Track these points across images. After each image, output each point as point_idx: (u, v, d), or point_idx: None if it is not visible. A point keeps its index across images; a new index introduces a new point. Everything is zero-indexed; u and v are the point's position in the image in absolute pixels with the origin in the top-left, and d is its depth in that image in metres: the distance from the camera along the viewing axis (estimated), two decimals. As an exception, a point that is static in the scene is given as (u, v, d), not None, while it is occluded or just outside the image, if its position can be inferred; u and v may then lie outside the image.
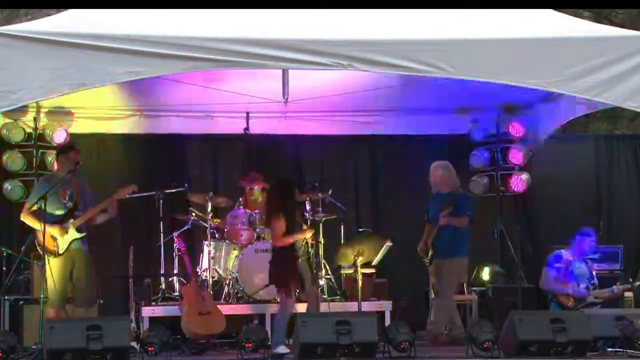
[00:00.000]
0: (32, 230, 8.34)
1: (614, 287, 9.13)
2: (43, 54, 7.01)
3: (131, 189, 8.49)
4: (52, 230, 8.10)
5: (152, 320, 8.93)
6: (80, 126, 10.15)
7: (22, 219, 8.31)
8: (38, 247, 8.18)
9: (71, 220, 8.23)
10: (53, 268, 8.07)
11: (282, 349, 8.03)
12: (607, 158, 11.23)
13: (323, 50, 7.21)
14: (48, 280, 7.92)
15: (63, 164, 8.43)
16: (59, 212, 8.24)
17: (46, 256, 7.96)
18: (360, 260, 8.68)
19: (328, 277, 9.63)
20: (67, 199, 8.30)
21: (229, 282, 9.45)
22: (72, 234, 8.23)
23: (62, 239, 8.18)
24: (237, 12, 7.52)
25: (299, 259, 8.34)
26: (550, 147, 10.59)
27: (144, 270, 9.67)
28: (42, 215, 7.95)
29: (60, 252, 8.17)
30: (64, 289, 8.20)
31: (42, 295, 7.89)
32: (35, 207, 8.10)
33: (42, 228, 7.90)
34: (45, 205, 7.93)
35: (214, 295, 9.31)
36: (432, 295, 9.48)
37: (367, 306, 9.04)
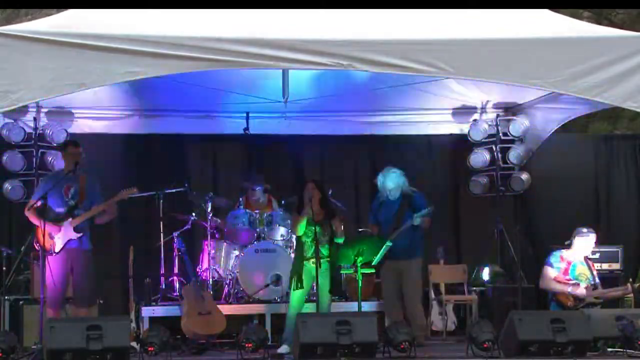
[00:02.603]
0: (32, 229, 8.34)
1: (628, 285, 9.13)
2: (43, 54, 7.00)
3: (132, 191, 8.47)
4: (50, 228, 8.08)
5: (152, 320, 8.94)
6: (80, 126, 10.15)
7: (26, 214, 8.29)
8: (36, 245, 8.17)
9: (69, 219, 8.22)
10: (51, 267, 8.04)
11: (282, 349, 8.05)
12: (607, 158, 11.23)
13: (323, 50, 7.21)
14: (47, 279, 7.91)
15: (65, 161, 8.43)
16: (60, 210, 8.23)
17: (45, 255, 7.95)
18: (360, 260, 8.68)
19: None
20: (69, 196, 8.28)
21: (229, 282, 9.46)
22: (69, 232, 8.21)
23: (58, 237, 8.16)
24: (237, 12, 7.52)
25: (309, 260, 8.38)
26: (550, 147, 10.59)
27: (144, 270, 9.67)
28: (42, 213, 7.94)
29: (56, 250, 8.15)
30: (62, 289, 8.18)
31: (41, 295, 7.88)
32: (38, 204, 8.10)
33: (42, 225, 7.90)
34: (46, 202, 7.93)
35: (214, 295, 9.31)
36: (433, 296, 9.49)
37: (367, 306, 9.05)
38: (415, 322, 8.78)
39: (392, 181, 9.00)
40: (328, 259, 8.39)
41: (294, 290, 8.39)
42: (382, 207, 9.08)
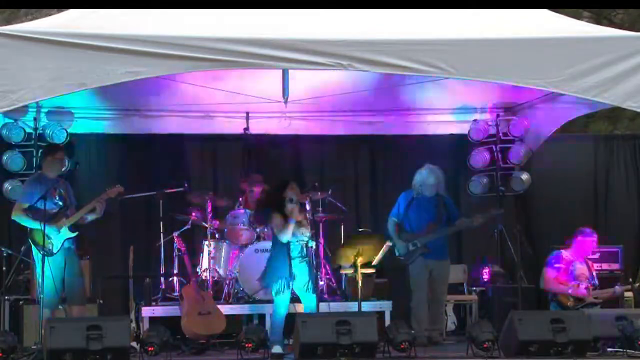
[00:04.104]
0: (28, 231, 8.33)
1: (616, 287, 9.12)
2: (43, 54, 6.99)
3: (117, 190, 8.47)
4: (49, 230, 8.08)
5: (152, 320, 8.93)
6: (80, 126, 10.15)
7: (13, 217, 8.29)
8: (33, 246, 8.17)
9: (63, 219, 8.23)
10: (46, 267, 8.04)
11: (275, 349, 8.04)
12: (606, 158, 11.23)
13: (323, 50, 7.20)
14: (46, 280, 7.91)
15: (53, 164, 8.41)
16: (53, 211, 8.23)
17: (44, 256, 7.95)
18: (360, 260, 8.67)
19: (328, 277, 9.65)
20: (57, 198, 8.30)
21: (229, 282, 9.46)
22: (66, 232, 8.23)
23: (55, 238, 8.18)
24: (237, 12, 7.52)
25: (295, 259, 8.36)
26: (550, 147, 10.59)
27: (144, 270, 9.68)
28: (40, 216, 7.95)
29: (55, 251, 8.16)
30: (57, 289, 8.16)
31: (41, 295, 7.88)
32: (25, 206, 8.11)
33: (39, 227, 7.93)
34: (45, 204, 7.93)
35: (214, 295, 9.31)
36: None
37: (367, 306, 9.04)
38: (436, 321, 9.02)
39: (434, 177, 9.07)
40: (307, 258, 8.36)
41: (280, 293, 8.32)
42: (414, 204, 9.11)
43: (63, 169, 8.43)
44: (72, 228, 8.27)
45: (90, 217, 8.44)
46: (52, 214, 8.19)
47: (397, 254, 9.09)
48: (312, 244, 8.39)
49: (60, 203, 8.30)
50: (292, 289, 8.30)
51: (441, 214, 9.09)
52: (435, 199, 9.11)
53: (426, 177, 9.10)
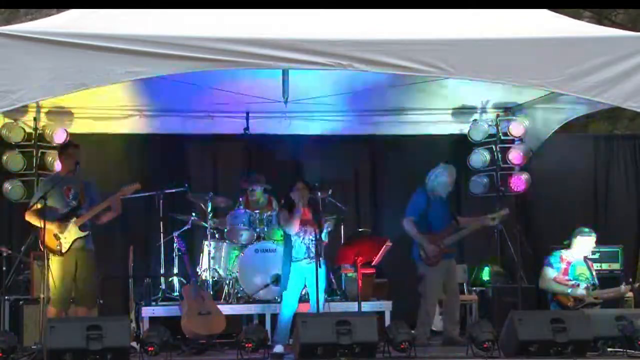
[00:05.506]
0: (32, 230, 8.34)
1: (622, 286, 9.12)
2: (43, 54, 7.00)
3: (135, 187, 8.48)
4: (55, 229, 8.09)
5: (152, 320, 8.93)
6: (80, 126, 10.15)
7: (26, 218, 8.29)
8: (41, 246, 8.17)
9: (73, 219, 8.22)
10: (56, 267, 8.05)
11: (277, 348, 8.04)
12: (606, 158, 11.24)
13: (323, 50, 7.21)
14: (49, 280, 7.91)
15: (64, 162, 8.43)
16: (63, 210, 8.23)
17: (48, 255, 7.95)
18: (360, 260, 8.66)
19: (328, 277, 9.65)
20: (70, 197, 8.28)
21: (229, 282, 9.46)
22: (75, 232, 8.21)
23: (64, 237, 8.17)
24: (237, 12, 7.52)
25: (302, 261, 8.36)
26: (550, 147, 10.59)
27: (144, 270, 9.68)
28: (43, 214, 7.94)
29: (64, 251, 8.14)
30: (67, 289, 8.17)
31: (42, 295, 7.89)
32: (38, 206, 8.10)
33: (43, 226, 7.89)
34: (46, 203, 7.92)
35: (214, 295, 9.31)
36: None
37: (367, 306, 9.04)
38: (453, 318, 9.03)
39: (450, 176, 9.09)
40: (313, 259, 8.36)
41: (285, 292, 8.38)
42: (433, 204, 9.08)
43: (77, 165, 8.36)
44: (83, 228, 8.25)
45: (107, 218, 8.39)
46: (62, 214, 8.19)
47: (418, 256, 9.03)
48: (325, 238, 8.49)
49: (74, 202, 8.28)
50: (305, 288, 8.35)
51: (446, 214, 9.09)
52: (448, 199, 9.11)
53: (443, 176, 9.09)
